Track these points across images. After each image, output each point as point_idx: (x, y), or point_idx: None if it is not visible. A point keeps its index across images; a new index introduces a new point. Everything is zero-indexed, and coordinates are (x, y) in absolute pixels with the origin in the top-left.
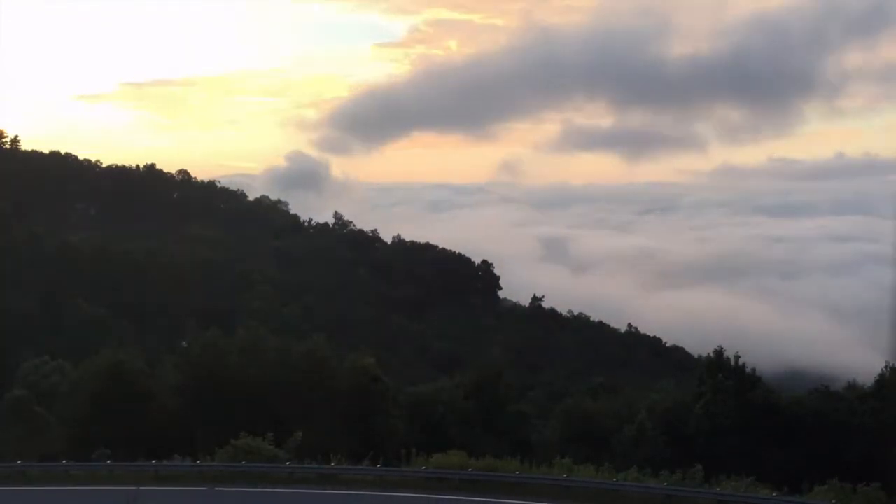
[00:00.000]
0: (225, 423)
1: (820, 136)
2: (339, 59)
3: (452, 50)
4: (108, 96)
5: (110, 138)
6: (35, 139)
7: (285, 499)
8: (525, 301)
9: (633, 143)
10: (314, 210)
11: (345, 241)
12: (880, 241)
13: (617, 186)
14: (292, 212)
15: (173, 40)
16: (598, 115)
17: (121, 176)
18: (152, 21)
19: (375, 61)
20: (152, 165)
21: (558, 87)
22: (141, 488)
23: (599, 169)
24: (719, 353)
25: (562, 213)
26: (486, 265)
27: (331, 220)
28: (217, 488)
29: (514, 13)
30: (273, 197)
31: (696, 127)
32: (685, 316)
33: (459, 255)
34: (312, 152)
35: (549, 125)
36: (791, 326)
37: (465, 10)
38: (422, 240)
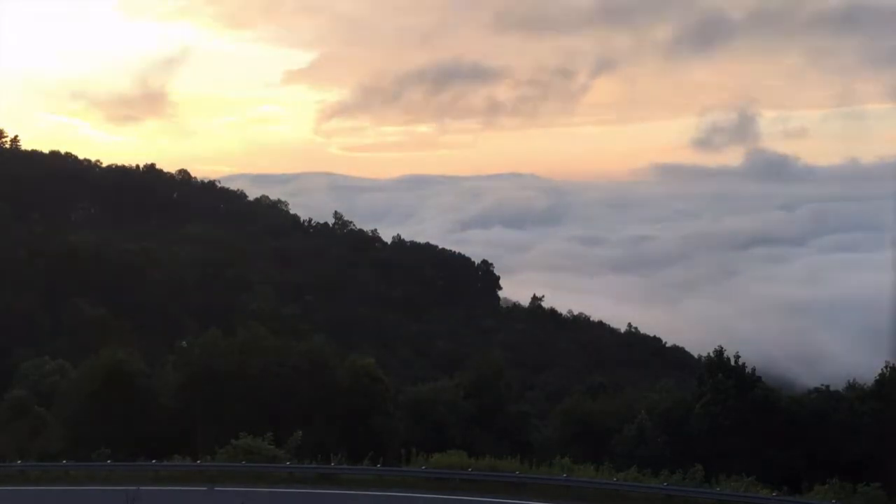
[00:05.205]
0: (225, 423)
1: None
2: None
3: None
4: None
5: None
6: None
7: (285, 499)
8: (525, 301)
9: None
10: (314, 210)
11: (345, 241)
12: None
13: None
14: (292, 212)
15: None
16: None
17: (121, 176)
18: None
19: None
20: (152, 165)
21: None
22: (140, 488)
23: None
24: (719, 352)
25: None
26: (485, 265)
27: (331, 220)
28: (217, 488)
29: None
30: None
31: None
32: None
33: (459, 254)
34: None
35: None
36: (790, 326)
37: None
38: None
